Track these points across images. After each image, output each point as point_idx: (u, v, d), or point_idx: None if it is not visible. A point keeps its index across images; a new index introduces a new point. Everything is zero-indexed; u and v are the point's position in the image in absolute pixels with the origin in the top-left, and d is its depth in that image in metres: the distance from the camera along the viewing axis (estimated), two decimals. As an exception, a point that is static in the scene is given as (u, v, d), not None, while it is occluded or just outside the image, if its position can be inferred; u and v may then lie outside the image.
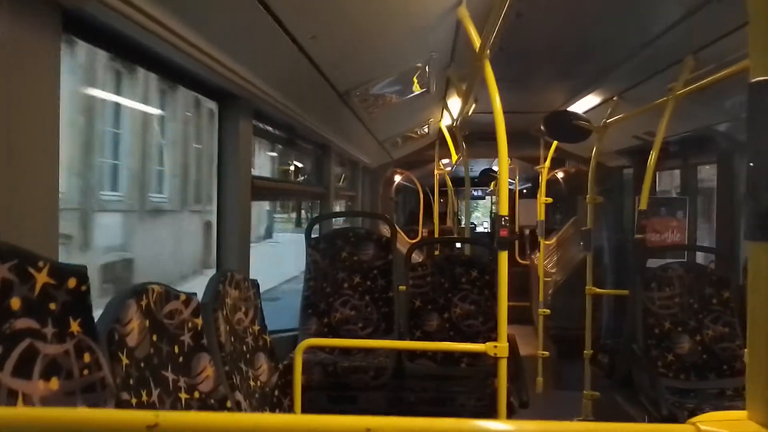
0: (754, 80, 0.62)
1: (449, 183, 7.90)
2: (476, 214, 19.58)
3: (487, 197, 15.60)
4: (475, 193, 14.73)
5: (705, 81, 2.87)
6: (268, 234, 24.12)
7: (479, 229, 14.87)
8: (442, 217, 8.27)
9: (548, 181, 5.69)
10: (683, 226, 4.41)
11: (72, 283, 1.28)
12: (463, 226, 7.03)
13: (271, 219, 24.86)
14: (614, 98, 4.14)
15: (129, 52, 1.97)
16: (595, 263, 4.37)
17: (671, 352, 3.34)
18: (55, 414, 0.61)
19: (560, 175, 8.10)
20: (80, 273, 1.31)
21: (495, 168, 10.36)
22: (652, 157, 3.42)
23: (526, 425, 0.63)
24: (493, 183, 10.63)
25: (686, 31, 2.77)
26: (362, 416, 0.62)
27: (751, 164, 0.62)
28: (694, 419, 0.63)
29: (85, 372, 1.29)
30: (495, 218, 2.45)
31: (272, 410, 2.41)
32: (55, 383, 1.20)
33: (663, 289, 3.41)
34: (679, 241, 4.40)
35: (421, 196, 8.42)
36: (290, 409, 2.47)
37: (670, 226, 4.37)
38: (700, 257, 4.50)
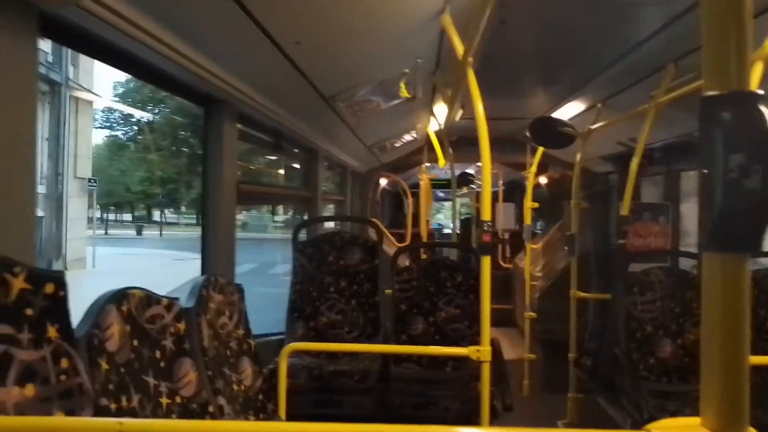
0: (705, 95, 0.64)
1: (427, 187, 7.96)
2: (438, 216, 19.67)
3: (458, 199, 15.78)
4: (440, 194, 14.80)
5: (685, 89, 2.91)
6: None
7: (446, 231, 14.94)
8: (413, 219, 8.30)
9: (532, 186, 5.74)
10: (666, 232, 4.46)
11: (49, 288, 1.28)
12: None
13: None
14: (598, 105, 4.18)
15: (110, 57, 1.97)
16: (581, 267, 4.41)
17: (653, 355, 3.37)
18: (18, 423, 0.62)
19: (543, 180, 8.15)
20: (58, 279, 1.31)
21: (471, 171, 10.39)
22: (634, 163, 3.46)
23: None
24: (465, 186, 10.63)
25: (667, 39, 2.81)
26: (327, 423, 0.63)
27: (703, 179, 0.64)
28: (648, 426, 0.65)
29: (63, 378, 1.29)
30: (473, 222, 2.47)
31: (256, 415, 2.41)
32: (30, 389, 1.19)
33: (645, 294, 3.44)
34: (662, 246, 4.45)
35: (410, 200, 8.43)
36: (274, 414, 2.47)
37: (652, 232, 4.42)
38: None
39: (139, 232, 29.20)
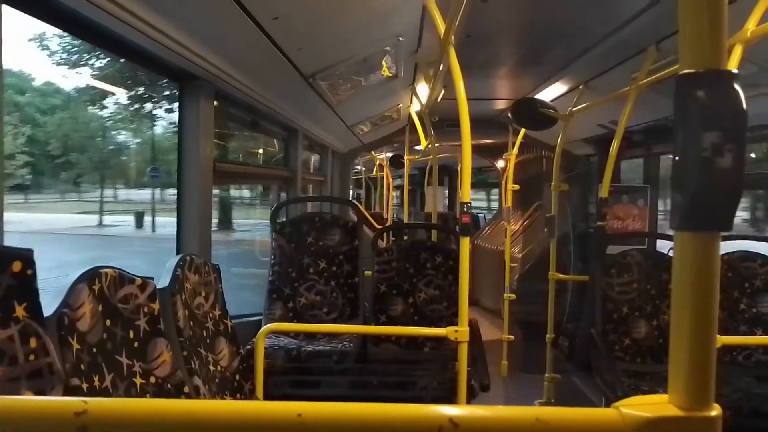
0: (681, 73, 0.63)
1: (387, 170, 8.01)
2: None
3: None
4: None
5: (666, 71, 2.92)
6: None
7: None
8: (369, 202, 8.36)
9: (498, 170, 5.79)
10: (644, 214, 4.52)
11: (17, 266, 1.25)
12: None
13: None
14: (580, 87, 4.18)
15: (79, 29, 1.90)
16: (560, 249, 4.45)
17: (628, 336, 3.43)
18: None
19: (500, 164, 8.19)
20: (25, 257, 1.27)
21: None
22: (614, 145, 3.47)
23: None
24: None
25: (649, 21, 2.81)
26: (293, 402, 0.62)
27: (677, 158, 0.64)
28: (617, 403, 0.65)
29: (31, 357, 1.26)
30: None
31: (233, 395, 2.40)
32: None
33: (622, 276, 3.49)
34: (640, 228, 4.51)
35: (387, 182, 8.41)
36: (252, 394, 2.47)
37: (631, 214, 4.48)
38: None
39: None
